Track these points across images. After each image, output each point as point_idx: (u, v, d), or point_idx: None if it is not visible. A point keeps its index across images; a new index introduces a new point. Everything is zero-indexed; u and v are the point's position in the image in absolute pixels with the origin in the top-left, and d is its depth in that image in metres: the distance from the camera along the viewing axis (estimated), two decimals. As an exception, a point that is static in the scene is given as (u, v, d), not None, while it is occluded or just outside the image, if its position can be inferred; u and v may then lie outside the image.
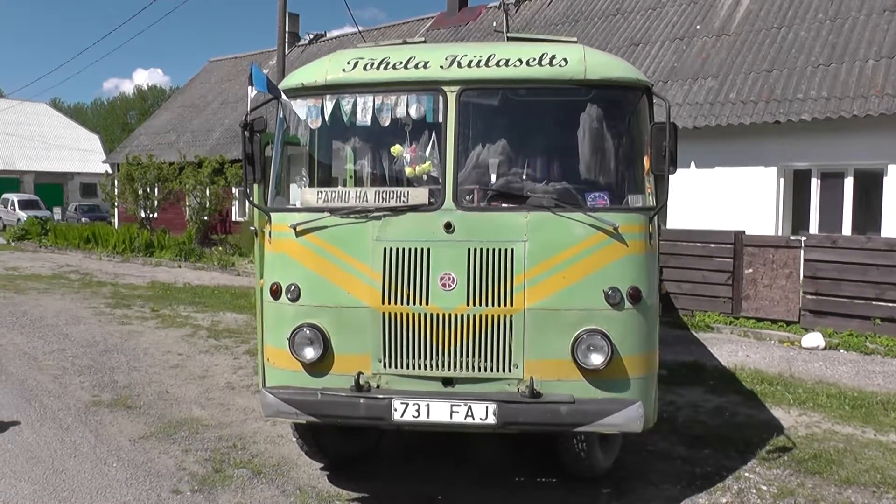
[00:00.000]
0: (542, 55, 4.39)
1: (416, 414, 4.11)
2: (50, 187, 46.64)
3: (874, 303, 9.75)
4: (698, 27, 16.24)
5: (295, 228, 4.40)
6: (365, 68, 4.46)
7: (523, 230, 4.24)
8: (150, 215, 24.18)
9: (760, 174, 13.48)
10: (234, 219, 24.60)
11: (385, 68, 4.43)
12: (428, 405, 4.11)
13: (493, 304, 4.19)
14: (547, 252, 4.24)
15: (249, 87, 4.62)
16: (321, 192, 4.45)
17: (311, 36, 28.52)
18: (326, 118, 4.53)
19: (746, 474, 5.33)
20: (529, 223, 4.25)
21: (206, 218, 23.24)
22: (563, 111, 4.59)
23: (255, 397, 7.17)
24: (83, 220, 34.43)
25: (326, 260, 4.35)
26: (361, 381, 4.23)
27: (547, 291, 4.22)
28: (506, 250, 4.22)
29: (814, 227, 12.87)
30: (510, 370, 4.24)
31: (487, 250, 4.21)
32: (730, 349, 9.65)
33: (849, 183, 12.59)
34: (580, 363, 4.21)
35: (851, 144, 12.34)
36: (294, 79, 4.65)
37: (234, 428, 6.27)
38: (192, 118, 28.88)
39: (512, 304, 4.20)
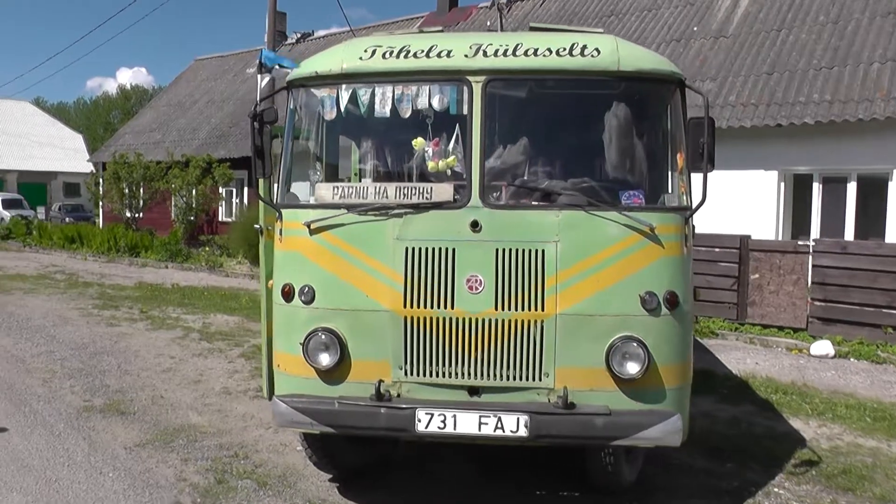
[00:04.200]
0: (573, 45, 4.15)
1: (441, 425, 3.85)
2: (33, 186, 45.81)
3: (885, 310, 9.57)
4: (695, 29, 16.08)
5: (309, 226, 4.12)
6: (384, 56, 4.19)
7: (555, 230, 3.99)
8: (136, 215, 23.69)
9: (761, 178, 13.31)
10: (220, 219, 24.17)
11: (405, 57, 4.16)
12: (455, 416, 3.85)
13: (522, 309, 3.94)
14: (580, 253, 3.99)
15: (259, 76, 4.33)
16: (337, 188, 4.17)
17: (299, 35, 28.14)
18: (342, 109, 4.26)
19: (776, 490, 5.10)
20: (561, 222, 4.00)
21: (192, 218, 22.80)
22: (594, 104, 4.35)
23: (254, 403, 6.87)
24: (67, 219, 33.86)
25: (343, 260, 4.07)
26: (382, 390, 3.95)
27: (580, 296, 3.98)
28: (536, 251, 3.97)
29: (815, 233, 12.71)
30: (540, 379, 3.99)
31: (516, 251, 3.96)
32: (737, 356, 9.45)
33: (852, 188, 12.42)
34: (615, 372, 3.97)
35: (855, 149, 12.17)
36: (307, 67, 4.37)
37: (234, 435, 5.96)
38: (178, 117, 28.40)
39: (543, 309, 3.95)
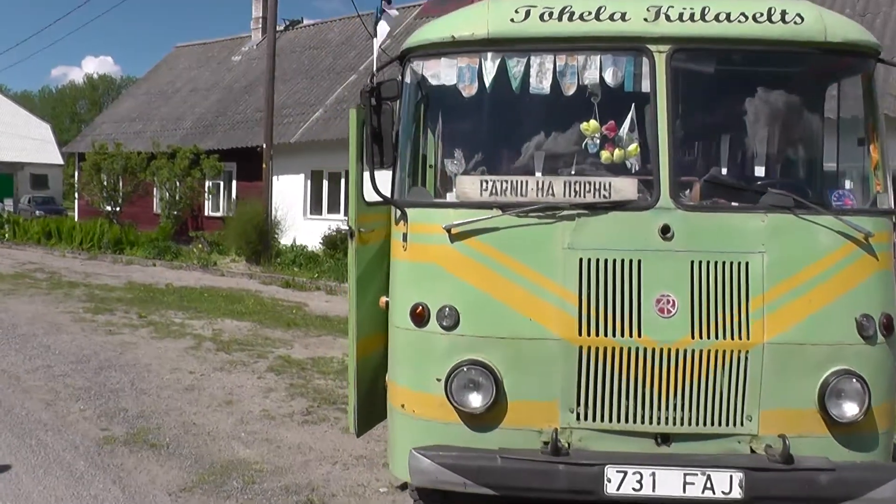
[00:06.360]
0: (771, 10, 3.37)
1: (636, 486, 3.04)
2: (-1, 178, 43.75)
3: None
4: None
5: (449, 231, 3.25)
6: (542, 19, 3.35)
7: (760, 237, 3.21)
8: (116, 209, 22.35)
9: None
10: (206, 214, 23.01)
11: (570, 19, 3.34)
12: (653, 474, 3.03)
13: (724, 337, 3.16)
14: (789, 268, 3.24)
15: (376, 39, 3.45)
16: (486, 182, 3.30)
17: (288, 22, 27.03)
18: (486, 83, 3.40)
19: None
20: (767, 228, 3.22)
21: (176, 213, 21.60)
22: (792, 81, 3.58)
23: (305, 429, 5.96)
24: (37, 212, 32.22)
25: (497, 274, 3.22)
26: (551, 440, 3.12)
27: (790, 320, 3.22)
28: (739, 264, 3.19)
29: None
30: (742, 423, 3.22)
31: (716, 264, 3.18)
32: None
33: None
34: (831, 414, 3.22)
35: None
36: (436, 31, 3.50)
37: (296, 474, 5.04)
38: (160, 106, 27.09)
39: (748, 337, 3.18)
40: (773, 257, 3.21)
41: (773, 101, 3.63)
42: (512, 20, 3.35)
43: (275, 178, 17.82)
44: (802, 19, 3.37)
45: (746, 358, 3.17)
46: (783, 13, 3.37)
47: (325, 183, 20.19)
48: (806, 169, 3.60)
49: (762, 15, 3.36)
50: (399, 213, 3.45)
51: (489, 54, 3.38)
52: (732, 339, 3.16)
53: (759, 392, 3.20)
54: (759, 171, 3.62)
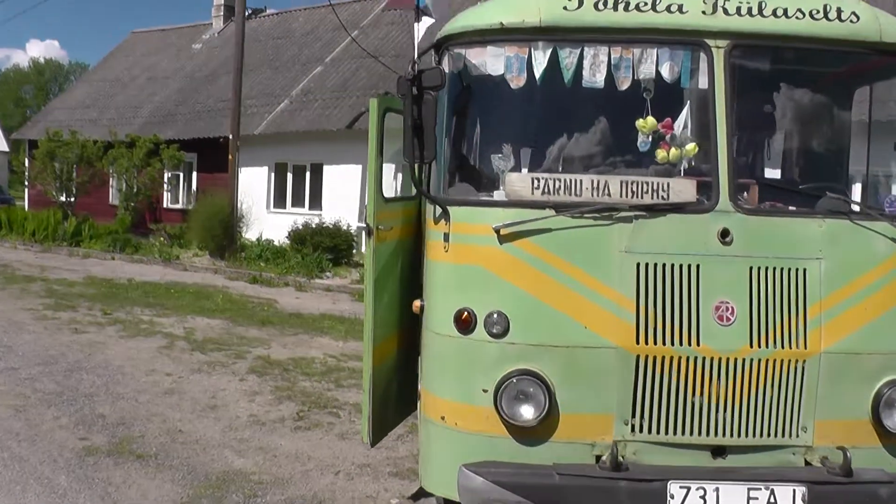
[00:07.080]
0: (826, 7, 3.26)
1: (700, 503, 2.89)
2: (-63, 165, 41.80)
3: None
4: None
5: (498, 232, 3.06)
6: (597, 8, 3.16)
7: (818, 244, 3.12)
8: (71, 199, 21.43)
9: None
10: (165, 206, 22.30)
11: (626, 9, 3.16)
12: (717, 490, 2.90)
13: (782, 346, 3.06)
14: (845, 275, 3.15)
15: (416, 23, 3.23)
16: (538, 180, 3.11)
17: (250, 11, 26.34)
18: (536, 75, 3.20)
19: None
20: (825, 234, 3.12)
21: (134, 204, 20.84)
22: (844, 82, 3.47)
23: (299, 436, 5.70)
24: (-17, 202, 30.85)
25: (549, 278, 3.04)
26: (610, 454, 2.97)
27: (846, 329, 3.13)
28: (797, 271, 3.09)
29: None
30: (797, 435, 3.12)
31: (775, 270, 3.07)
32: None
33: None
34: (884, 425, 3.16)
35: None
36: (483, 17, 3.28)
37: (298, 485, 4.78)
38: (116, 94, 26.19)
39: (805, 346, 3.07)
40: (831, 264, 3.11)
41: (822, 99, 3.53)
42: (565, 8, 3.16)
43: (238, 170, 17.32)
44: (858, 18, 3.27)
45: (803, 368, 3.07)
46: (839, 11, 3.26)
47: (290, 176, 19.76)
48: (857, 170, 3.52)
49: (818, 12, 3.24)
50: (439, 210, 3.24)
51: (540, 44, 3.18)
52: (791, 347, 3.05)
53: (814, 403, 3.10)
54: (811, 173, 3.52)
